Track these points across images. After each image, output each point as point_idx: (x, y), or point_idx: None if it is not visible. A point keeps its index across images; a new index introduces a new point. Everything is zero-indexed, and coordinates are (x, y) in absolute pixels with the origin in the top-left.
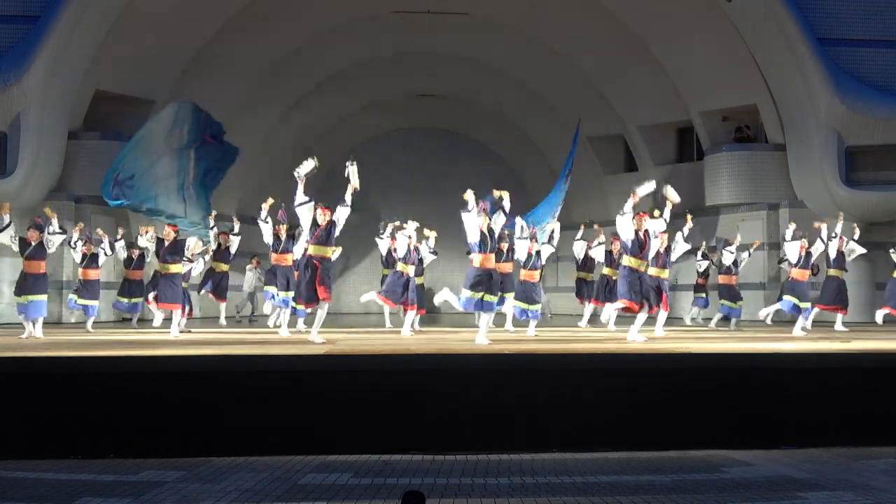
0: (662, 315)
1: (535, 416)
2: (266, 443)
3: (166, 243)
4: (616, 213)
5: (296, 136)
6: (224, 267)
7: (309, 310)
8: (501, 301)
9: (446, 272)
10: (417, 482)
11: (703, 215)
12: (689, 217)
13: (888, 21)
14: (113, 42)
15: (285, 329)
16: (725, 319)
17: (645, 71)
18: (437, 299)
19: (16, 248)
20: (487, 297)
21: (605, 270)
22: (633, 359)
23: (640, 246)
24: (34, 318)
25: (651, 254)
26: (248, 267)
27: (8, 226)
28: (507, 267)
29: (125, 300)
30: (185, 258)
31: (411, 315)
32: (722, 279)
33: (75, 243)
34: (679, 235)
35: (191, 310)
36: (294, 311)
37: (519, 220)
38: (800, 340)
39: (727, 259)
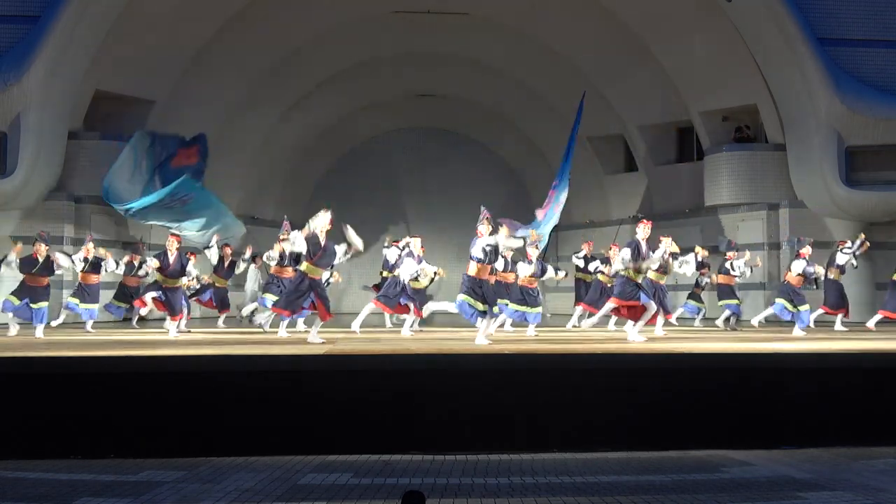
0: (660, 318)
1: (535, 416)
2: (266, 443)
3: (171, 259)
4: (616, 214)
5: (296, 136)
6: (224, 283)
7: (285, 317)
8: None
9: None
10: (417, 482)
11: (704, 215)
12: (703, 252)
13: (888, 21)
14: (113, 42)
15: (283, 329)
16: (733, 315)
17: (645, 71)
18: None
19: (15, 269)
20: (481, 307)
21: (601, 277)
22: (633, 359)
23: (638, 253)
24: (38, 324)
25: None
26: (251, 266)
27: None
28: (509, 277)
29: (123, 305)
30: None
31: (410, 316)
32: (722, 279)
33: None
34: (692, 257)
35: (189, 310)
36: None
37: (521, 230)
38: (800, 340)
39: (736, 270)
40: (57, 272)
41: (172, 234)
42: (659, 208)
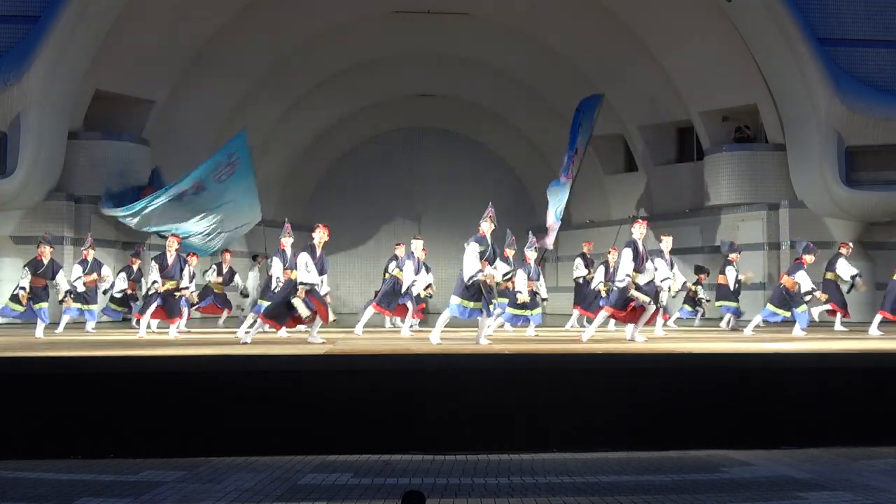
0: (660, 318)
1: (535, 416)
2: (266, 443)
3: (170, 260)
4: (616, 214)
5: (296, 136)
6: (222, 289)
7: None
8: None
9: (448, 273)
10: (417, 482)
11: (704, 215)
12: (702, 278)
13: (888, 21)
14: (113, 42)
15: (283, 329)
16: (734, 316)
17: (645, 71)
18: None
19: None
20: (473, 305)
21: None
22: (633, 359)
23: (637, 253)
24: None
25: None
26: (252, 266)
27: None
28: (508, 284)
29: (120, 309)
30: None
31: (408, 319)
32: (722, 279)
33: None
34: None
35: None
36: None
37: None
38: (800, 340)
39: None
40: (57, 282)
41: (172, 235)
42: (659, 208)
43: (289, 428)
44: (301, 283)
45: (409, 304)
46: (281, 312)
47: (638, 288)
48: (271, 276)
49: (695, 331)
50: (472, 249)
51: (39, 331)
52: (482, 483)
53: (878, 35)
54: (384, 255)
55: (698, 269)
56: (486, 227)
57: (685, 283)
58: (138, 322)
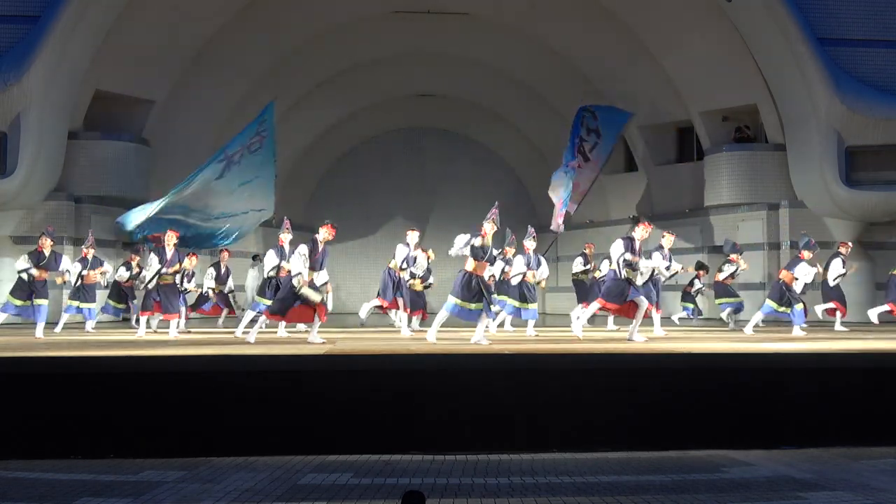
0: (656, 316)
1: (535, 416)
2: (266, 443)
3: (168, 255)
4: (616, 214)
5: (296, 136)
6: (222, 287)
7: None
8: (500, 304)
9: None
10: (417, 482)
11: (703, 215)
12: (701, 274)
13: (888, 21)
14: (113, 42)
15: (283, 329)
16: (736, 312)
17: (645, 71)
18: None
19: (27, 264)
20: (474, 306)
21: (598, 275)
22: (633, 359)
23: (631, 246)
24: (41, 322)
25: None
26: (251, 265)
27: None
28: (508, 274)
29: (120, 306)
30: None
31: (406, 315)
32: (718, 276)
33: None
34: (676, 265)
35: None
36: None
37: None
38: (800, 340)
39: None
40: (61, 268)
41: (171, 230)
42: (659, 208)
43: (289, 428)
44: (295, 274)
45: (400, 301)
46: (286, 306)
47: (629, 282)
48: (269, 277)
49: (695, 331)
50: (463, 236)
51: (39, 331)
52: (482, 483)
53: (878, 35)
54: (384, 256)
55: (699, 266)
56: (489, 227)
57: (682, 266)
58: (138, 321)
